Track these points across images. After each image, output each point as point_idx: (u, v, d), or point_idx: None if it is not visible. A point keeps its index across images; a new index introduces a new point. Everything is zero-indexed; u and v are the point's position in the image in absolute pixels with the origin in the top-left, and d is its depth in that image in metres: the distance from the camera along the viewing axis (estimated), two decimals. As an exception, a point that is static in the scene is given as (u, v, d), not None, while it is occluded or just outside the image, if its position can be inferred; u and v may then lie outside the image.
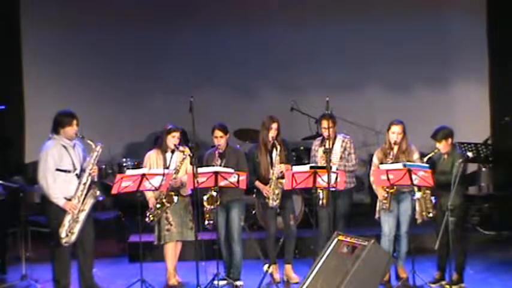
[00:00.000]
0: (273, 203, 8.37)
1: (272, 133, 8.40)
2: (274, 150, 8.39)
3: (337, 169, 8.10)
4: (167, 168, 8.25)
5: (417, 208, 8.08)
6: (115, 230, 10.52)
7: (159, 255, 8.71)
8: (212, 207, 8.22)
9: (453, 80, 12.19)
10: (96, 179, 7.98)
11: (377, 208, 8.26)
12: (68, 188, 7.78)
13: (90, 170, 7.81)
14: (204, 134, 9.67)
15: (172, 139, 8.34)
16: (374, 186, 8.32)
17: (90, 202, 7.83)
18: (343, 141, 8.56)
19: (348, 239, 7.26)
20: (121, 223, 10.54)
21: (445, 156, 8.12)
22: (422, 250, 8.58)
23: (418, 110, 11.63)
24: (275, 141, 8.39)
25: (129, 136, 12.04)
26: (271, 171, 8.39)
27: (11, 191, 8.98)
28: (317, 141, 8.69)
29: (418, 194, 7.96)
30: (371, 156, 9.88)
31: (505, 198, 10.59)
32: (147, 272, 8.18)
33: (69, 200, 7.75)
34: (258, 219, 9.67)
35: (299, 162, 9.79)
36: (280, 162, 8.37)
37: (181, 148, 8.32)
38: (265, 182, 8.44)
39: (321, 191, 8.25)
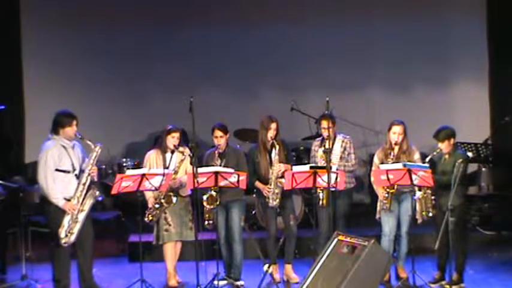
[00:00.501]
0: (273, 202, 8.37)
1: (271, 133, 8.40)
2: (273, 149, 8.39)
3: (337, 169, 8.10)
4: (167, 168, 8.25)
5: (417, 208, 8.08)
6: (115, 230, 10.52)
7: (159, 255, 8.71)
8: (212, 207, 8.22)
9: (453, 80, 12.18)
10: (96, 179, 7.99)
11: (377, 208, 8.27)
12: (67, 189, 7.78)
13: (90, 170, 7.81)
14: (204, 134, 9.67)
15: (172, 139, 8.34)
16: (374, 187, 8.33)
17: (89, 202, 7.83)
18: (343, 141, 8.56)
19: (348, 239, 7.26)
20: (121, 223, 10.54)
21: (446, 156, 8.12)
22: (422, 250, 8.58)
23: (418, 110, 11.63)
24: (274, 141, 8.38)
25: (129, 136, 12.04)
26: (270, 170, 8.39)
27: (11, 191, 8.98)
28: (317, 142, 8.69)
29: (418, 194, 7.96)
30: (371, 156, 9.90)
31: (505, 198, 10.59)
32: (147, 272, 8.19)
33: (69, 200, 7.75)
34: (258, 219, 9.67)
35: (299, 162, 9.79)
36: (280, 162, 8.37)
37: (180, 149, 8.33)
38: (265, 182, 8.44)
39: (320, 191, 8.25)
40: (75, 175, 7.83)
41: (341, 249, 7.24)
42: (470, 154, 8.91)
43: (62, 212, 7.73)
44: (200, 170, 7.99)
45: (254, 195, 8.89)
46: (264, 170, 8.47)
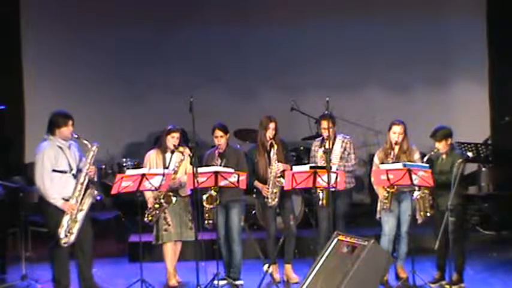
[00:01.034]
0: (271, 202, 8.37)
1: (270, 133, 8.40)
2: (272, 149, 8.39)
3: (336, 169, 8.10)
4: (167, 168, 8.25)
5: (416, 207, 8.08)
6: (115, 230, 10.53)
7: (159, 255, 8.70)
8: (211, 206, 8.22)
9: (453, 80, 12.18)
10: (96, 179, 7.98)
11: (378, 208, 8.27)
12: (64, 189, 7.78)
13: (87, 169, 7.80)
14: (204, 134, 9.66)
15: (172, 139, 8.34)
16: (375, 186, 8.33)
17: (88, 202, 7.83)
18: (343, 141, 8.56)
19: (348, 239, 7.26)
20: (121, 223, 10.54)
21: (444, 156, 8.12)
22: (422, 250, 8.57)
23: (418, 110, 11.63)
24: (272, 141, 8.38)
25: (129, 136, 12.04)
26: (268, 170, 8.39)
27: (10, 191, 8.98)
28: (317, 142, 8.69)
29: (416, 194, 7.96)
30: (371, 156, 9.90)
31: (505, 198, 10.59)
32: (147, 272, 8.18)
33: (67, 200, 7.75)
34: (258, 219, 9.67)
35: (299, 162, 9.79)
36: (278, 161, 8.37)
37: (180, 149, 8.32)
38: (264, 182, 8.44)
39: (320, 191, 8.25)
40: (73, 175, 7.82)
41: (341, 249, 7.24)
42: (470, 154, 8.91)
43: (61, 212, 7.72)
44: (200, 169, 7.99)
45: (254, 195, 8.89)
46: (262, 170, 8.47)
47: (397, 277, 8.35)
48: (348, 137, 8.63)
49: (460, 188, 7.88)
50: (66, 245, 7.73)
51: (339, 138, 8.57)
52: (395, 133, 8.20)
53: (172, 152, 8.36)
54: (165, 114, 10.99)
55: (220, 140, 8.41)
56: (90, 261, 8.02)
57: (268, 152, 8.43)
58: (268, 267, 8.15)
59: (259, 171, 8.48)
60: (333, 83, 11.70)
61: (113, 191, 7.93)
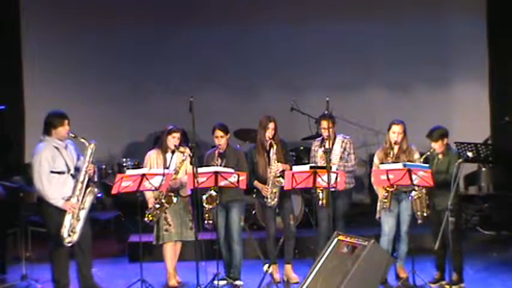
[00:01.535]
0: (271, 202, 8.37)
1: (269, 133, 8.39)
2: (271, 149, 8.39)
3: (336, 169, 8.11)
4: (167, 168, 8.25)
5: (413, 208, 8.09)
6: (115, 230, 10.53)
7: (159, 255, 8.70)
8: (211, 206, 8.22)
9: (453, 80, 12.18)
10: (96, 179, 7.98)
11: (377, 208, 8.27)
12: (63, 189, 7.77)
13: (86, 168, 7.80)
14: (204, 134, 9.67)
15: (173, 139, 8.34)
16: (375, 186, 8.33)
17: (89, 200, 7.83)
18: (342, 141, 8.56)
19: (348, 239, 7.27)
20: (121, 223, 10.54)
21: (440, 156, 8.13)
22: (422, 250, 8.57)
23: (418, 110, 11.63)
24: (272, 141, 8.38)
25: (129, 136, 12.04)
26: (268, 170, 8.39)
27: (11, 191, 8.97)
28: (317, 142, 8.69)
29: (413, 194, 7.96)
30: (371, 156, 9.90)
31: (505, 198, 10.59)
32: (147, 272, 8.18)
33: (68, 200, 7.74)
34: (258, 219, 9.67)
35: (299, 162, 9.79)
36: (278, 161, 8.37)
37: (181, 149, 8.32)
38: (264, 181, 8.44)
39: (320, 191, 8.26)
40: (71, 175, 7.82)
41: (341, 249, 7.24)
42: (470, 154, 8.91)
43: (61, 213, 7.71)
44: (200, 170, 7.99)
45: (254, 195, 8.89)
46: (261, 170, 8.47)
47: (397, 277, 8.35)
48: (347, 137, 8.63)
49: (457, 188, 7.88)
50: (70, 244, 7.72)
51: (339, 138, 8.57)
52: (395, 133, 8.20)
53: (173, 152, 8.36)
54: (165, 114, 11.02)
55: (221, 140, 8.42)
56: (89, 260, 8.02)
57: (268, 152, 8.43)
58: (268, 267, 8.14)
59: (259, 171, 8.48)
60: (333, 83, 11.70)
61: (113, 191, 7.93)
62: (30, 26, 11.85)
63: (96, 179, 7.98)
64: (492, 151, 10.57)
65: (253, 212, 9.82)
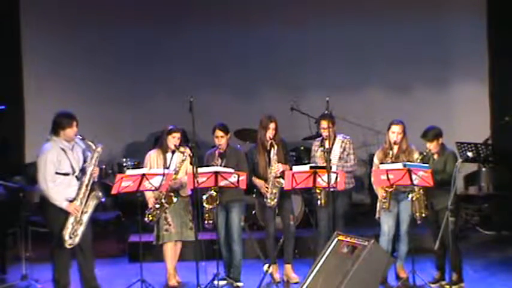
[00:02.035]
0: (270, 202, 8.37)
1: (270, 133, 8.39)
2: (272, 149, 8.39)
3: (336, 169, 8.11)
4: (167, 168, 8.25)
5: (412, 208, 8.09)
6: (115, 230, 10.53)
7: (159, 255, 8.70)
8: (211, 206, 8.23)
9: (453, 80, 12.18)
10: (96, 179, 7.97)
11: (377, 208, 8.27)
12: (67, 191, 7.74)
13: (92, 171, 7.79)
14: (204, 134, 9.67)
15: (173, 140, 8.34)
16: (374, 186, 8.33)
17: (92, 204, 7.80)
18: (342, 141, 8.56)
19: (348, 239, 7.27)
20: (121, 223, 10.54)
21: (435, 155, 8.13)
22: (422, 250, 8.57)
23: (418, 110, 11.62)
24: (272, 141, 8.38)
25: (129, 136, 12.04)
26: (268, 170, 8.39)
27: (11, 191, 8.97)
28: (317, 142, 8.70)
29: (412, 194, 7.96)
30: (371, 156, 9.90)
31: (505, 198, 10.59)
32: (147, 272, 8.18)
33: (71, 201, 7.73)
34: (258, 219, 9.67)
35: (299, 162, 9.79)
36: (278, 162, 8.37)
37: (181, 149, 8.32)
38: (264, 181, 8.44)
39: (319, 191, 8.26)
40: (76, 177, 7.81)
41: (341, 249, 7.24)
42: (470, 154, 8.91)
43: (64, 214, 7.70)
44: (200, 170, 7.99)
45: (254, 195, 8.89)
46: (262, 170, 8.47)
47: (397, 277, 8.35)
48: (347, 137, 8.63)
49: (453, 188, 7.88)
50: (71, 247, 7.71)
51: (339, 138, 8.58)
52: (394, 133, 8.20)
53: (173, 152, 8.36)
54: (165, 114, 11.02)
55: (221, 140, 8.42)
56: (91, 261, 8.00)
57: (268, 152, 8.43)
58: (268, 267, 8.15)
59: (259, 171, 8.48)
60: (333, 83, 11.70)
61: (113, 191, 7.92)
62: (30, 26, 11.86)
63: (96, 179, 7.97)
64: (492, 151, 10.57)
65: (253, 212, 9.82)
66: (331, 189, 8.01)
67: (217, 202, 8.22)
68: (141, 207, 8.26)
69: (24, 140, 11.87)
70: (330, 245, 7.35)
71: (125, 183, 7.86)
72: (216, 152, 8.48)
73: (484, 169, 10.73)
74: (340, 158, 8.50)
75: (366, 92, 12.12)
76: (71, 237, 7.69)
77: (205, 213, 8.27)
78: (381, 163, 8.16)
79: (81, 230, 7.72)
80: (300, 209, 9.87)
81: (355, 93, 12.05)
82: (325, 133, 8.43)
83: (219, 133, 8.42)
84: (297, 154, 10.62)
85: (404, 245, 8.29)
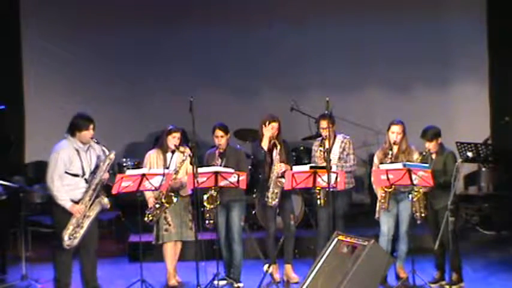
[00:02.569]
0: (272, 201, 8.38)
1: (272, 132, 8.39)
2: (275, 149, 8.40)
3: (336, 169, 8.11)
4: (167, 168, 8.25)
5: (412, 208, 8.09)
6: (115, 230, 10.53)
7: (159, 255, 8.70)
8: (212, 206, 8.23)
9: (453, 80, 12.17)
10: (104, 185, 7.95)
11: (377, 208, 8.27)
12: (74, 192, 7.74)
13: (101, 177, 7.77)
14: (204, 134, 9.66)
15: (173, 140, 8.35)
16: (374, 186, 8.33)
17: (96, 209, 7.79)
18: (342, 141, 8.57)
19: (348, 239, 7.27)
20: (121, 223, 10.54)
21: (434, 155, 8.14)
22: (422, 250, 8.58)
23: (418, 110, 11.61)
24: (275, 141, 8.39)
25: (129, 136, 12.03)
26: (271, 169, 8.39)
27: (11, 191, 8.97)
28: (317, 142, 8.71)
29: (412, 194, 7.96)
30: (371, 156, 9.90)
31: (505, 198, 10.59)
32: (147, 272, 8.19)
33: (76, 203, 7.72)
34: (258, 219, 9.67)
35: (299, 162, 9.79)
36: (281, 161, 8.37)
37: (181, 149, 8.33)
38: (266, 180, 8.43)
39: (318, 191, 8.26)
40: (85, 179, 7.80)
41: (341, 249, 7.25)
42: (470, 154, 8.91)
43: (68, 215, 7.69)
44: (200, 170, 7.99)
45: (254, 196, 8.89)
46: (265, 167, 8.47)
47: (397, 277, 8.35)
48: (347, 137, 8.64)
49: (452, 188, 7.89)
50: (68, 247, 7.71)
51: (339, 138, 8.58)
52: (394, 133, 8.21)
53: (173, 152, 8.36)
54: (165, 114, 11.01)
55: (221, 140, 8.42)
56: (94, 263, 7.98)
57: (271, 152, 8.44)
58: (268, 267, 8.15)
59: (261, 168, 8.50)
60: (333, 83, 11.70)
61: (113, 191, 7.92)
62: (30, 26, 11.85)
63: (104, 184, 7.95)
64: (492, 151, 10.57)
65: (253, 212, 9.82)
66: (331, 189, 8.01)
67: (218, 202, 8.23)
68: (141, 207, 8.26)
69: (24, 140, 11.87)
70: (330, 245, 7.35)
71: (124, 183, 7.86)
72: (216, 152, 8.48)
73: (484, 169, 10.73)
74: (339, 158, 8.50)
75: (366, 92, 12.11)
76: (70, 238, 7.68)
77: (206, 213, 8.28)
78: (381, 163, 8.17)
79: (81, 233, 7.71)
80: (300, 209, 9.87)
81: (355, 93, 12.04)
82: (325, 133, 8.43)
83: (219, 133, 8.42)
84: (297, 154, 10.61)
85: (404, 245, 8.29)
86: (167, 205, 8.30)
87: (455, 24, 12.00)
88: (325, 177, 7.95)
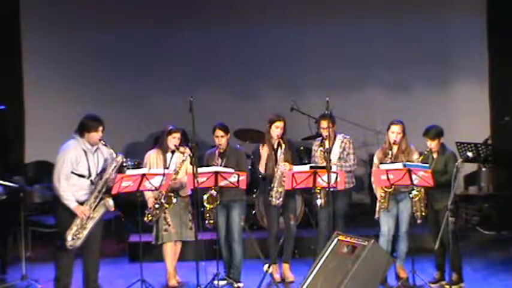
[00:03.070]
0: (276, 201, 8.38)
1: (278, 131, 8.40)
2: (280, 148, 8.40)
3: (336, 169, 8.11)
4: (167, 168, 8.25)
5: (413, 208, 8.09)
6: (115, 230, 10.52)
7: (159, 255, 8.70)
8: (212, 206, 8.23)
9: (453, 80, 12.18)
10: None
11: (377, 208, 8.27)
12: (78, 192, 7.73)
13: (107, 179, 7.76)
14: (204, 134, 9.67)
15: (173, 140, 8.35)
16: (374, 186, 8.33)
17: (101, 211, 7.78)
18: (342, 141, 8.57)
19: (348, 239, 7.27)
20: (121, 223, 10.54)
21: (435, 155, 8.14)
22: (422, 250, 8.58)
23: (418, 110, 11.61)
24: (280, 140, 8.40)
25: (129, 136, 12.02)
26: (275, 169, 8.40)
27: (11, 191, 8.97)
28: (317, 142, 8.71)
29: (413, 193, 7.96)
30: (371, 156, 9.90)
31: (505, 198, 10.59)
32: (147, 272, 8.19)
33: (81, 204, 7.72)
34: (258, 219, 9.67)
35: (299, 162, 9.77)
36: (285, 161, 8.38)
37: (181, 149, 8.33)
38: (270, 180, 8.42)
39: (319, 191, 8.26)
40: (90, 180, 7.79)
41: (341, 249, 7.25)
42: (470, 154, 8.91)
43: (72, 215, 7.69)
44: (200, 170, 7.99)
45: (254, 196, 8.88)
46: (268, 167, 8.46)
47: (397, 277, 8.35)
48: (347, 136, 8.64)
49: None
50: (71, 248, 7.70)
51: (339, 138, 8.59)
52: (394, 133, 8.21)
53: (173, 152, 8.36)
54: (165, 114, 11.00)
55: (221, 139, 8.42)
56: (96, 263, 7.96)
57: (276, 151, 8.44)
58: (268, 267, 8.15)
59: (266, 166, 8.48)
60: (333, 83, 11.70)
61: (113, 191, 7.90)
62: (30, 26, 11.85)
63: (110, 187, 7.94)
64: (492, 151, 10.57)
65: (253, 212, 9.82)
66: (331, 189, 8.01)
67: (218, 202, 8.23)
68: (141, 207, 8.26)
69: (24, 140, 11.86)
70: (330, 245, 7.35)
71: (125, 183, 7.86)
72: (216, 152, 8.48)
73: (484, 169, 10.73)
74: (340, 157, 8.50)
75: (366, 92, 12.12)
76: (73, 239, 7.68)
77: (206, 213, 8.28)
78: (381, 163, 8.17)
79: (84, 234, 7.70)
80: (300, 209, 9.87)
81: (355, 93, 12.04)
82: (325, 133, 8.43)
83: (219, 133, 8.42)
84: (297, 154, 10.59)
85: (404, 245, 8.29)
86: (167, 205, 8.29)
87: (455, 24, 12.00)
88: (325, 177, 7.95)
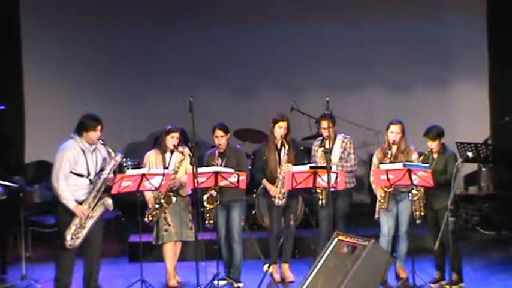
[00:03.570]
0: (279, 201, 8.38)
1: (281, 132, 8.40)
2: (283, 149, 8.40)
3: (336, 169, 8.11)
4: (166, 168, 8.25)
5: (412, 208, 8.09)
6: (115, 230, 10.52)
7: (159, 255, 8.70)
8: (212, 206, 8.23)
9: (453, 80, 12.18)
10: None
11: (376, 208, 8.27)
12: (77, 192, 7.73)
13: (105, 178, 7.76)
14: (204, 134, 9.67)
15: (172, 139, 8.35)
16: (373, 186, 8.33)
17: (100, 210, 7.78)
18: (342, 141, 8.57)
19: (348, 239, 7.27)
20: (121, 223, 10.53)
21: (435, 155, 8.14)
22: (422, 250, 8.58)
23: (418, 110, 11.62)
24: (283, 140, 8.40)
25: (129, 136, 12.03)
26: (278, 169, 8.40)
27: (11, 191, 8.97)
28: (317, 142, 8.71)
29: (414, 192, 7.96)
30: (371, 156, 9.88)
31: (505, 198, 10.59)
32: (147, 272, 8.19)
33: (80, 203, 7.72)
34: (258, 219, 9.67)
35: (299, 162, 9.77)
36: (289, 161, 8.37)
37: (180, 149, 8.33)
38: (273, 180, 8.43)
39: (319, 191, 8.26)
40: (89, 180, 7.79)
41: (341, 249, 7.25)
42: (470, 154, 8.91)
43: (71, 214, 7.69)
44: (200, 170, 8.00)
45: (254, 196, 8.88)
46: (271, 168, 8.47)
47: (397, 277, 8.35)
48: (348, 136, 8.64)
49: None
50: (70, 247, 7.70)
51: (339, 138, 8.58)
52: (393, 133, 8.21)
53: (172, 152, 8.37)
54: (165, 114, 11.00)
55: (221, 139, 8.42)
56: (97, 263, 7.97)
57: (279, 151, 8.44)
58: (269, 267, 8.13)
59: (269, 169, 8.47)
60: (333, 83, 11.70)
61: (113, 191, 7.91)
62: (30, 26, 11.85)
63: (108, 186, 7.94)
64: (492, 151, 10.58)
65: (253, 212, 9.81)
66: (332, 189, 8.01)
67: (218, 202, 8.23)
68: (141, 207, 8.26)
69: (24, 140, 11.86)
70: (330, 245, 7.35)
71: (124, 183, 7.86)
72: (216, 152, 8.48)
73: (484, 169, 10.73)
74: (340, 157, 8.50)
75: (366, 92, 12.12)
76: (72, 238, 7.68)
77: (206, 213, 8.28)
78: (380, 163, 8.17)
79: (83, 233, 7.71)
80: (300, 209, 9.86)
81: (355, 93, 12.05)
82: (325, 133, 8.43)
83: (219, 133, 8.42)
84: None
85: (404, 245, 8.29)
86: (166, 205, 8.30)
87: (455, 25, 12.01)
88: (325, 177, 7.95)
